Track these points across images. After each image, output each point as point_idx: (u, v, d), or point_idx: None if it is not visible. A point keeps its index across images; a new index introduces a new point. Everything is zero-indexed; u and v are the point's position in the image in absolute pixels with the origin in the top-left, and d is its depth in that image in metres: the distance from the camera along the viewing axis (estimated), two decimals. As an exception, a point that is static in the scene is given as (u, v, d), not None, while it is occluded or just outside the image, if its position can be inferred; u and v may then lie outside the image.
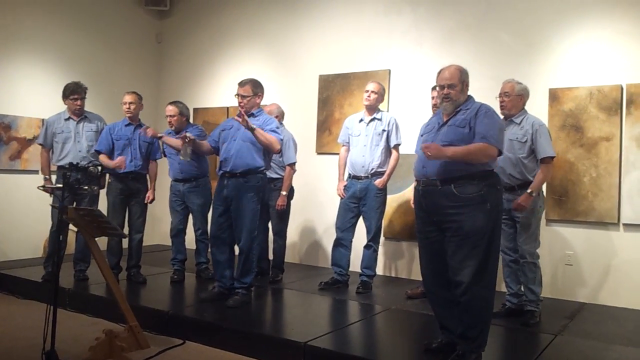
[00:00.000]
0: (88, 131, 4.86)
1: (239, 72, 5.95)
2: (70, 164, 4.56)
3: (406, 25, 5.61)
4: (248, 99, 4.20)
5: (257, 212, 4.18)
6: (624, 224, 4.53)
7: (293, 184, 5.14)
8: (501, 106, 3.91)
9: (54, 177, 4.86)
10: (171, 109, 4.94)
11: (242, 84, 4.24)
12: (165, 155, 5.13)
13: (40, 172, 5.01)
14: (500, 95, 3.92)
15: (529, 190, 3.74)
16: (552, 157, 3.81)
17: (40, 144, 4.93)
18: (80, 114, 4.87)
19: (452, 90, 3.05)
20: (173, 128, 4.94)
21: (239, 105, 4.22)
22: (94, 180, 4.61)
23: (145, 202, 4.91)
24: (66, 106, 4.87)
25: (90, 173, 4.55)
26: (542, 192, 3.85)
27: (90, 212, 3.25)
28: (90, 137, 4.86)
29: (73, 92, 4.77)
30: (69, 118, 4.85)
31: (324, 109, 6.07)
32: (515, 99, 3.89)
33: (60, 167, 4.81)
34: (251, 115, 4.22)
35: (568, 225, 4.74)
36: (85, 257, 4.91)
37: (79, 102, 4.80)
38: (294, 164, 5.01)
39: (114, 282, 3.45)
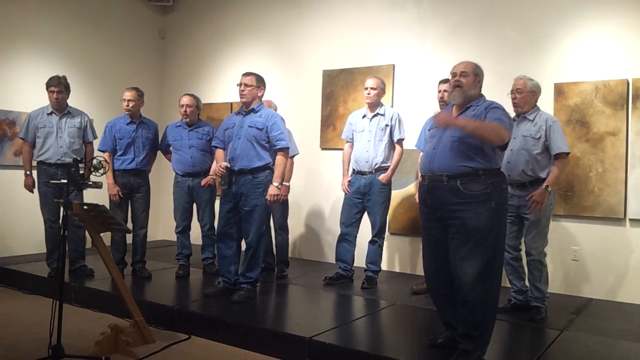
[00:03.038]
0: (70, 127, 4.82)
1: (243, 68, 5.89)
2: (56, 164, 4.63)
3: (410, 20, 5.59)
4: (250, 88, 4.18)
5: (265, 207, 4.19)
6: (630, 219, 4.52)
7: (297, 180, 5.12)
8: (513, 103, 3.85)
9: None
10: (188, 100, 4.97)
11: (246, 74, 4.26)
12: (164, 152, 5.13)
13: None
14: (512, 92, 3.86)
15: (544, 185, 3.70)
16: (567, 153, 3.77)
17: (21, 138, 4.90)
18: (61, 109, 4.82)
19: (464, 79, 3.01)
20: (187, 120, 4.96)
21: (240, 95, 4.21)
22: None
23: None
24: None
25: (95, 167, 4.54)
26: (553, 189, 3.82)
27: (95, 207, 3.26)
28: (72, 133, 4.81)
29: (50, 84, 4.72)
30: (51, 113, 4.81)
31: (327, 104, 6.05)
32: (527, 95, 3.83)
33: (40, 162, 4.78)
34: (252, 110, 4.22)
35: (574, 221, 4.72)
36: (82, 254, 4.92)
37: (55, 96, 4.73)
38: (293, 155, 4.97)
39: (119, 278, 3.45)
